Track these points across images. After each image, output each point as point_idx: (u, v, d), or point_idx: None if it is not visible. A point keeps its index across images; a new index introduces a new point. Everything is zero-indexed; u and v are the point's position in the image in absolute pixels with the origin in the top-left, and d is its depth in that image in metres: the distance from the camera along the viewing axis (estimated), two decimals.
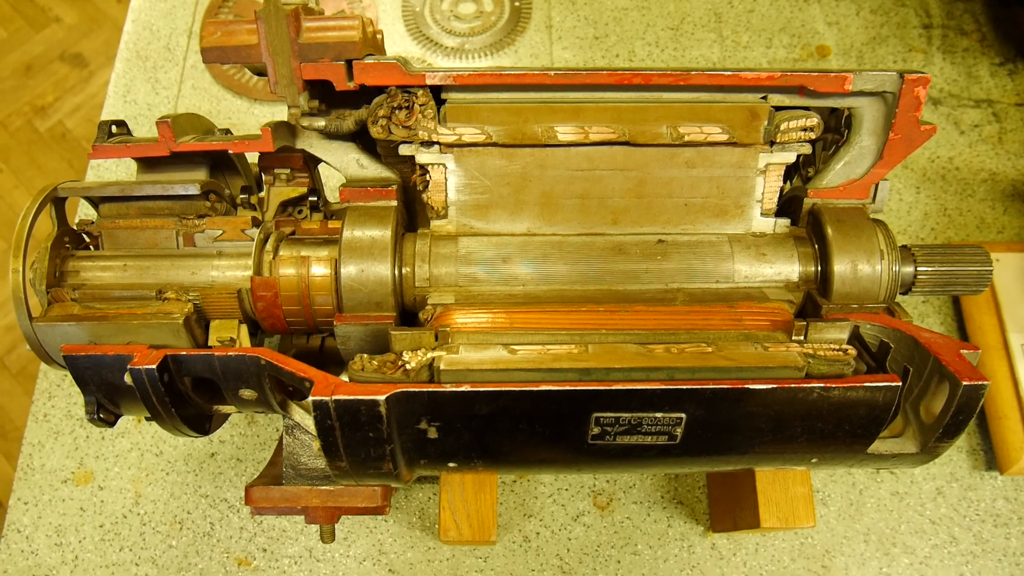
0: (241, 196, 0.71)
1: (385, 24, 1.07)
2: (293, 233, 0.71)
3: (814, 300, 0.66)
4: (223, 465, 0.87)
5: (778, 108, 0.66)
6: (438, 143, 0.65)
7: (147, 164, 0.71)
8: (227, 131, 0.74)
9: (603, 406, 0.56)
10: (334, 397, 0.54)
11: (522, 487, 0.87)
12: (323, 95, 0.65)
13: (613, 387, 0.54)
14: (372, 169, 0.69)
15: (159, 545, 0.84)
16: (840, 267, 0.65)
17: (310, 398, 0.54)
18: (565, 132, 0.64)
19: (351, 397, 0.54)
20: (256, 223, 0.68)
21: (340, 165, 0.69)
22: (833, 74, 0.63)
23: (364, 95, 0.65)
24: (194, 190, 0.66)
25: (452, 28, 1.05)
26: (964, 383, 0.55)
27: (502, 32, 1.05)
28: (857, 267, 0.65)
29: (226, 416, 0.72)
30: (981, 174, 1.00)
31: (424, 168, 0.67)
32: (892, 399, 0.57)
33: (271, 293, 0.65)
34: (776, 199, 0.69)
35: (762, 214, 0.69)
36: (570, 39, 1.07)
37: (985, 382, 0.56)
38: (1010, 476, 0.87)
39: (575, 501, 0.87)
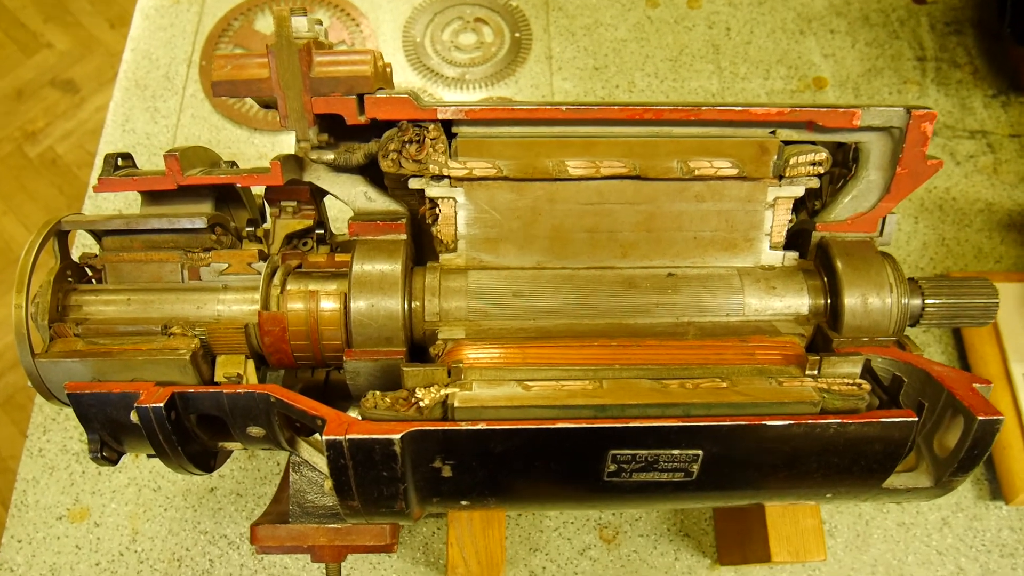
0: (247, 229, 0.70)
1: (385, 55, 1.07)
2: (300, 266, 0.70)
3: (824, 333, 0.66)
4: (223, 500, 0.86)
5: (786, 143, 0.66)
6: (448, 177, 0.65)
7: (152, 196, 0.70)
8: (233, 163, 0.74)
9: (620, 443, 0.55)
10: (348, 436, 0.53)
11: (527, 521, 0.86)
12: (331, 128, 0.65)
13: (631, 424, 0.54)
14: (380, 202, 0.69)
15: None
16: (851, 300, 0.65)
17: (323, 437, 0.53)
18: (576, 166, 0.64)
19: (366, 436, 0.53)
20: (263, 256, 0.68)
21: (348, 198, 0.69)
22: (842, 110, 0.64)
23: (373, 129, 0.65)
24: (201, 223, 0.66)
25: (453, 59, 1.06)
26: (980, 418, 0.55)
27: (503, 63, 1.06)
28: (867, 300, 0.65)
29: (230, 453, 0.71)
30: (977, 204, 1.01)
31: (434, 202, 0.66)
32: (908, 434, 0.56)
33: (279, 328, 0.64)
34: (784, 232, 0.69)
35: (771, 247, 0.69)
36: (570, 70, 1.07)
37: (1000, 417, 0.56)
38: (1015, 506, 0.87)
39: (581, 534, 0.86)
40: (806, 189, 0.68)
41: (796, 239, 0.73)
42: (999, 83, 1.08)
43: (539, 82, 1.05)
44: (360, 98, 0.61)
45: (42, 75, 2.15)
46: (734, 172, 0.66)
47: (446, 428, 0.54)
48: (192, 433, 0.63)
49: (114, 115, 1.03)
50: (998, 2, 1.01)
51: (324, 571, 0.71)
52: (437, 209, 0.67)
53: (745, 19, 1.12)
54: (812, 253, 0.70)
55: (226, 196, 0.74)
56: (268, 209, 0.73)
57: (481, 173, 0.65)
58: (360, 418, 0.57)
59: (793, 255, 0.70)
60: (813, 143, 0.66)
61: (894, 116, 0.64)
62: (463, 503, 0.61)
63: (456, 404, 0.57)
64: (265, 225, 0.75)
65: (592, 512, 0.86)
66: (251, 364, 0.66)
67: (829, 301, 0.67)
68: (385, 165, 0.64)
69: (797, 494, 0.63)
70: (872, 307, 0.65)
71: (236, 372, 0.64)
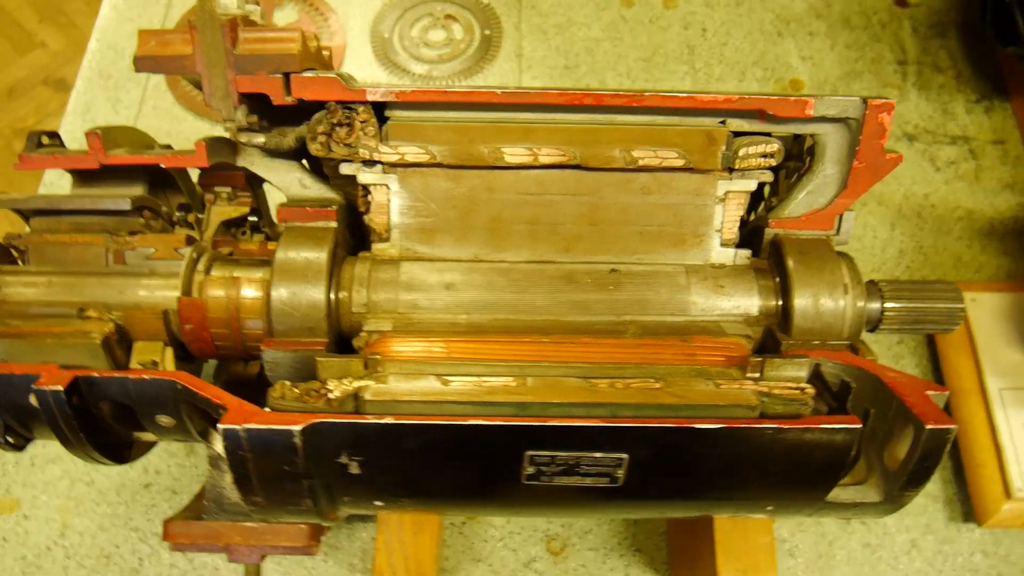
0: (178, 214, 0.68)
1: (353, 49, 1.05)
2: (231, 254, 0.67)
3: (774, 336, 0.62)
4: (157, 497, 0.83)
5: (738, 134, 0.63)
6: (381, 163, 0.62)
7: (83, 178, 0.67)
8: (168, 147, 0.71)
9: (538, 444, 0.52)
10: (245, 426, 0.50)
11: (471, 529, 0.83)
12: (264, 111, 0.63)
13: (548, 423, 0.51)
14: (315, 189, 0.66)
15: None
16: (801, 301, 0.61)
17: (220, 426, 0.50)
18: (513, 154, 0.62)
19: (264, 427, 0.50)
20: (191, 241, 0.65)
21: (282, 184, 0.66)
22: (794, 98, 0.60)
23: (306, 112, 0.62)
24: (125, 205, 0.63)
25: (421, 55, 1.03)
26: (928, 426, 0.51)
27: (471, 60, 1.03)
28: (819, 301, 0.62)
29: (150, 444, 0.68)
30: (958, 211, 0.97)
31: (367, 189, 0.64)
32: (851, 442, 0.53)
33: (198, 315, 0.61)
34: (736, 229, 0.66)
35: (722, 244, 0.66)
36: (540, 68, 1.05)
37: (951, 426, 0.52)
38: (988, 528, 0.83)
39: (527, 546, 0.82)
40: (759, 183, 0.65)
41: (752, 237, 0.69)
42: (982, 88, 1.04)
43: (508, 80, 1.03)
44: (286, 77, 0.59)
45: (35, 74, 2.16)
46: (681, 163, 0.62)
47: (352, 421, 0.51)
48: (101, 421, 0.60)
49: (75, 103, 1.01)
50: (980, 2, 0.97)
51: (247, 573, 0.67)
52: (369, 197, 0.64)
53: (722, 20, 1.09)
54: (766, 251, 0.66)
55: (163, 181, 0.72)
56: (205, 196, 0.71)
57: (413, 159, 0.62)
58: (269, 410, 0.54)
59: (745, 253, 0.66)
60: (766, 134, 0.63)
61: (850, 106, 0.61)
62: (377, 503, 0.57)
63: (367, 397, 0.54)
64: (204, 214, 0.73)
65: (538, 522, 0.83)
66: (170, 352, 0.63)
67: (781, 302, 0.63)
68: (314, 148, 0.61)
69: (736, 506, 0.59)
70: (824, 309, 0.62)
71: (151, 359, 0.61)
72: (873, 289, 0.66)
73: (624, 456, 0.52)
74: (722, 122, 0.63)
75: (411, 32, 1.04)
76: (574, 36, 1.07)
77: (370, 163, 0.63)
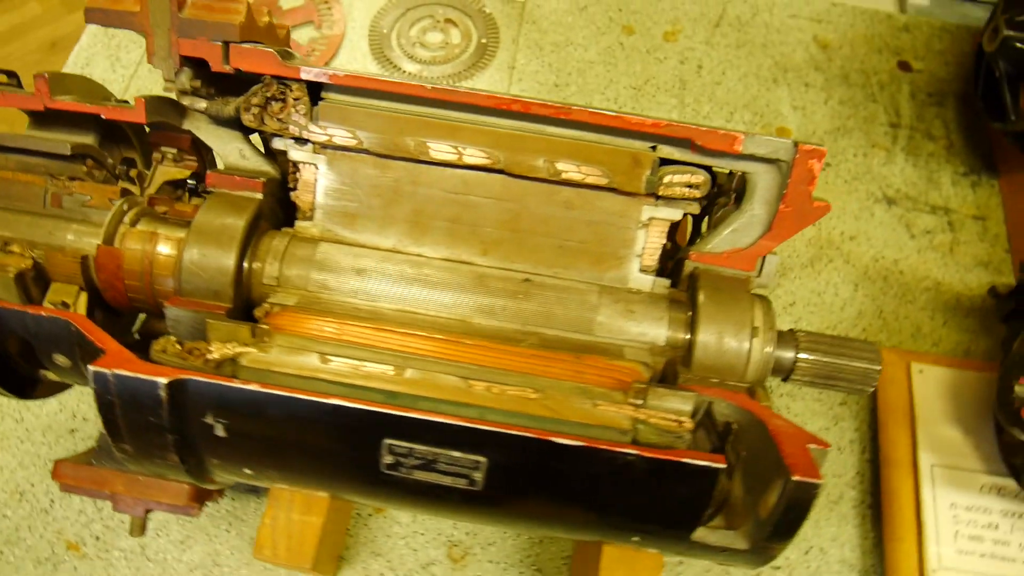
0: (120, 167, 0.70)
1: (350, 40, 1.07)
2: (166, 213, 0.69)
3: (675, 368, 0.62)
4: (80, 444, 0.84)
5: (668, 161, 0.63)
6: (311, 142, 0.64)
7: (37, 121, 0.70)
8: (125, 102, 0.74)
9: (396, 433, 0.52)
10: (114, 371, 0.51)
11: (376, 523, 0.83)
12: (212, 79, 0.64)
13: (407, 414, 0.51)
14: (253, 161, 0.68)
15: None
16: (704, 336, 0.61)
17: (90, 368, 0.51)
18: (438, 150, 0.62)
19: (131, 375, 0.51)
20: (126, 194, 0.67)
21: (222, 152, 0.68)
22: (722, 132, 0.60)
23: (249, 85, 0.64)
24: (64, 150, 0.65)
25: (415, 54, 1.05)
26: (793, 477, 0.50)
27: (463, 65, 1.05)
28: (723, 339, 0.61)
29: (61, 385, 0.69)
30: (925, 282, 0.95)
31: (296, 166, 0.65)
32: (712, 481, 0.52)
33: (113, 264, 0.63)
34: (657, 256, 0.65)
35: (641, 270, 0.65)
36: (530, 83, 1.06)
37: (817, 481, 0.51)
38: None
39: (428, 548, 0.82)
40: (685, 214, 0.65)
41: (678, 268, 0.69)
42: (972, 162, 1.02)
43: (496, 90, 1.03)
44: (226, 46, 0.60)
45: (79, 29, 2.24)
46: (604, 181, 0.63)
47: (218, 383, 0.51)
48: (6, 353, 0.61)
49: (76, 57, 1.05)
50: (973, 73, 0.96)
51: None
52: (298, 174, 0.65)
53: (719, 59, 1.09)
54: (684, 284, 0.66)
55: (118, 136, 0.74)
56: (153, 155, 0.72)
57: (341, 142, 0.63)
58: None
59: (664, 283, 0.66)
60: (698, 166, 0.63)
61: (781, 148, 0.61)
62: (247, 471, 0.58)
63: (243, 363, 0.55)
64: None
65: (444, 525, 0.82)
66: (84, 297, 0.64)
67: (689, 336, 0.63)
68: (247, 119, 0.63)
69: (600, 531, 0.58)
70: (727, 347, 0.61)
71: (62, 300, 0.63)
72: (788, 337, 0.65)
73: (482, 460, 0.52)
74: (653, 147, 0.63)
75: (410, 31, 1.06)
76: (569, 56, 1.08)
77: (302, 141, 0.64)
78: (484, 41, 1.06)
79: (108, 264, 0.63)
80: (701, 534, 0.56)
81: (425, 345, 0.59)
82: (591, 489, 0.53)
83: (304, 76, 0.61)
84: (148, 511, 0.66)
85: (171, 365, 0.54)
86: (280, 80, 0.62)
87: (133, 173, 0.70)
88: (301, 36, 1.07)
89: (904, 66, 1.09)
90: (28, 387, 0.65)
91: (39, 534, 0.81)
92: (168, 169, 0.72)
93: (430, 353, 0.58)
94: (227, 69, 0.61)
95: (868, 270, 0.96)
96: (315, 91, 0.63)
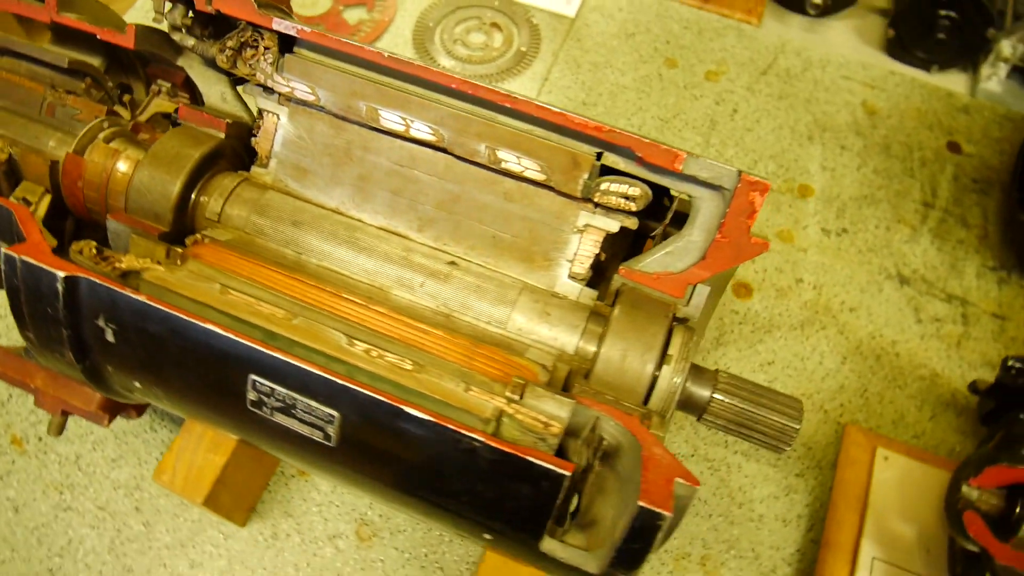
0: (115, 89, 0.74)
1: (396, 28, 1.11)
2: (146, 140, 0.73)
3: (574, 377, 0.60)
4: None
5: (611, 171, 0.62)
6: (277, 93, 0.66)
7: (56, 37, 0.75)
8: None
9: (261, 371, 0.52)
10: (21, 256, 0.54)
11: (297, 485, 0.84)
12: (205, 21, 0.68)
13: (270, 352, 0.51)
14: (232, 106, 0.71)
15: None
16: (608, 351, 0.59)
17: (3, 250, 0.54)
18: (388, 119, 0.63)
19: (35, 262, 0.54)
20: (111, 113, 0.71)
21: (206, 92, 0.71)
22: (664, 147, 0.59)
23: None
24: (62, 62, 0.70)
25: (454, 51, 1.07)
26: (640, 504, 0.48)
27: (498, 69, 1.06)
28: (626, 357, 0.59)
29: None
30: (922, 370, 0.89)
31: (261, 113, 0.67)
32: (556, 488, 0.50)
33: (75, 173, 0.67)
34: (589, 265, 0.64)
35: (570, 276, 0.64)
36: (559, 96, 1.06)
37: (665, 513, 0.48)
38: None
39: (338, 520, 0.82)
40: (622, 227, 0.63)
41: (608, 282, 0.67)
42: (1004, 257, 0.95)
43: None
44: None
45: None
46: (541, 178, 0.62)
47: (109, 286, 0.53)
48: None
49: None
50: (1015, 167, 0.90)
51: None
52: (261, 121, 0.68)
53: (757, 106, 1.06)
54: (611, 298, 0.64)
55: (125, 65, 0.79)
56: (151, 86, 0.77)
57: (301, 96, 0.65)
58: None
59: (592, 293, 0.65)
60: (640, 180, 0.61)
61: (724, 175, 0.59)
62: (136, 384, 0.60)
63: (145, 277, 0.57)
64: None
65: (360, 503, 0.82)
66: (47, 199, 0.68)
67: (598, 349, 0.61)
68: (220, 60, 0.66)
69: (453, 519, 0.57)
70: (628, 367, 0.59)
71: (24, 196, 0.67)
72: (708, 375, 0.63)
73: (335, 414, 0.52)
74: (599, 155, 0.62)
75: (454, 28, 1.09)
76: (604, 77, 1.08)
77: (269, 91, 0.66)
78: (524, 49, 1.08)
79: (72, 171, 0.67)
80: (551, 546, 0.54)
81: (329, 300, 0.60)
82: (438, 469, 0.52)
83: (276, 27, 0.63)
84: (65, 413, 0.69)
85: (82, 266, 0.56)
86: (255, 27, 0.64)
87: (127, 99, 0.75)
88: (352, 16, 1.11)
89: (953, 147, 1.03)
90: None
91: None
92: (162, 102, 0.76)
93: (330, 309, 0.59)
94: (209, 9, 0.64)
95: (861, 345, 0.90)
96: (288, 45, 0.65)
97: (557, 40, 1.10)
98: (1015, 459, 0.65)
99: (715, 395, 0.62)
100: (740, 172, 0.58)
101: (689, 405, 0.63)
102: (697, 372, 0.63)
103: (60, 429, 0.72)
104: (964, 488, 0.67)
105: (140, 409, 0.73)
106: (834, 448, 0.85)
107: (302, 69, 0.64)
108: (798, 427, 0.62)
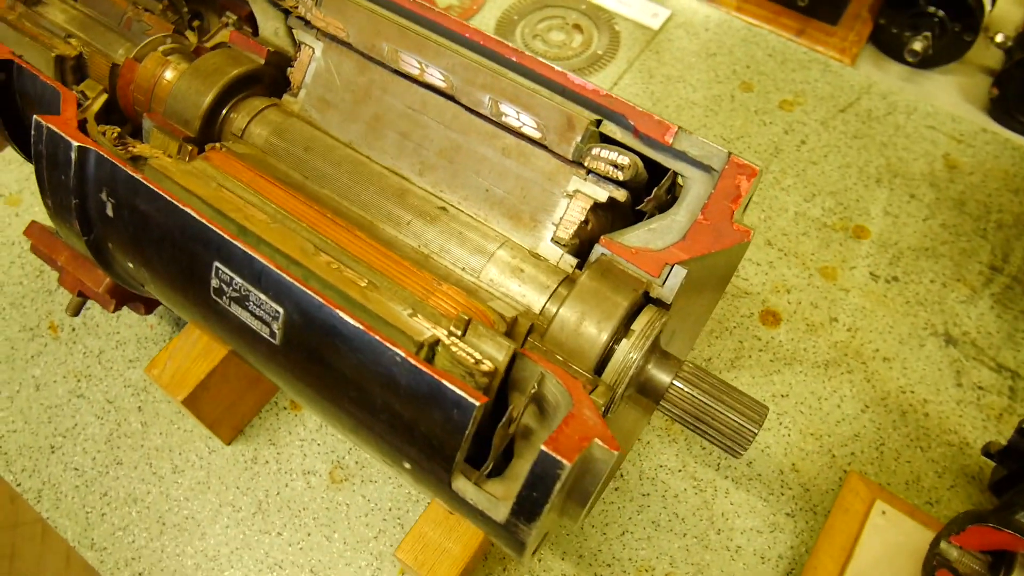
0: (188, 14, 0.81)
1: (481, 15, 1.14)
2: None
3: (530, 333, 0.59)
4: None
5: (607, 139, 0.61)
6: (316, 28, 0.70)
7: None
8: None
9: (225, 259, 0.55)
10: (48, 125, 0.59)
11: (287, 417, 0.86)
12: None
13: (235, 242, 0.54)
14: (282, 40, 0.75)
15: (15, 275, 0.94)
16: (566, 313, 0.58)
17: (35, 117, 0.60)
18: (407, 62, 0.66)
19: (57, 131, 0.59)
20: (178, 33, 0.77)
21: (263, 26, 0.76)
22: (657, 119, 0.58)
23: None
24: None
25: (531, 45, 1.10)
26: (542, 448, 0.47)
27: (571, 67, 1.07)
28: (583, 322, 0.58)
29: None
30: (951, 436, 0.82)
31: (299, 46, 0.72)
32: (466, 417, 0.49)
33: (129, 76, 0.73)
34: (573, 231, 0.63)
35: (553, 240, 0.64)
36: None
37: (565, 462, 0.47)
38: None
39: (316, 459, 0.83)
40: (611, 198, 0.62)
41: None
42: None
43: None
44: None
45: None
46: (536, 135, 0.62)
47: (112, 161, 0.58)
48: (18, 109, 0.73)
49: None
50: None
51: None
52: (298, 53, 0.72)
53: (827, 142, 1.02)
54: (590, 267, 0.63)
55: (211, 3, 0.85)
56: (224, 16, 0.83)
57: (334, 32, 0.68)
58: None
59: (572, 260, 0.64)
60: (634, 152, 0.61)
61: (714, 154, 0.57)
62: (129, 265, 0.64)
63: (150, 162, 0.61)
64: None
65: (342, 446, 0.84)
66: (103, 98, 0.75)
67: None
68: None
69: (376, 440, 0.57)
70: (583, 332, 0.58)
71: (84, 91, 0.74)
72: (672, 361, 0.61)
73: (280, 310, 0.54)
74: (598, 122, 0.61)
75: (537, 24, 1.11)
76: (675, 91, 1.07)
77: (309, 25, 0.70)
78: (600, 53, 1.09)
79: (127, 75, 0.73)
80: (462, 486, 0.53)
81: (313, 216, 0.62)
82: (363, 382, 0.53)
83: None
84: (81, 295, 0.75)
85: (99, 144, 0.62)
86: None
87: (196, 24, 0.81)
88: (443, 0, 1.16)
89: None
90: None
91: (36, 307, 0.93)
92: (227, 32, 0.82)
93: (311, 223, 0.61)
94: None
95: (888, 398, 0.84)
96: None
97: (635, 49, 1.10)
98: (1003, 522, 0.58)
99: (675, 382, 0.60)
100: (729, 153, 0.57)
101: (647, 389, 0.61)
102: (662, 356, 0.61)
103: (77, 309, 0.77)
104: (943, 545, 0.61)
105: (149, 306, 0.77)
106: (833, 496, 0.79)
107: (338, 6, 0.68)
108: (756, 431, 0.59)
